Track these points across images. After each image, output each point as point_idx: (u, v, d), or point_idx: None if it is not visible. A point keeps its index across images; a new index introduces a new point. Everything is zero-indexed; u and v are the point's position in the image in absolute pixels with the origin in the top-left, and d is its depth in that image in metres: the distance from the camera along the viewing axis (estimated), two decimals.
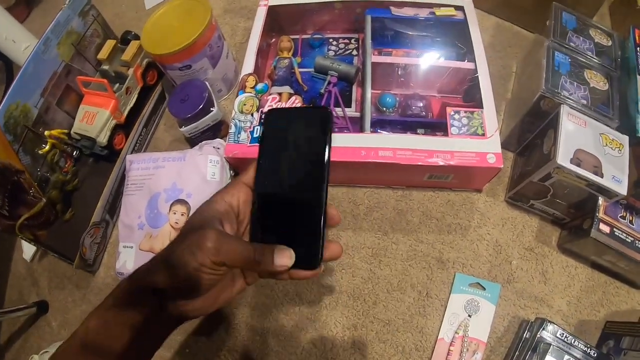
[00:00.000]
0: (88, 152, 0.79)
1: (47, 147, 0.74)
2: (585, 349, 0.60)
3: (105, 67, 0.82)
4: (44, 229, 0.73)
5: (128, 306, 0.38)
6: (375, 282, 0.70)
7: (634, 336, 0.60)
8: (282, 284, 0.72)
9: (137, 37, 0.86)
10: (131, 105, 0.82)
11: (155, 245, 0.66)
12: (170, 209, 0.68)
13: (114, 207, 0.80)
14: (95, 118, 0.76)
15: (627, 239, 0.62)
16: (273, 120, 0.44)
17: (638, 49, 0.69)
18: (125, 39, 0.86)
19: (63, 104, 0.78)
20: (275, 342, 0.68)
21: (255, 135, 0.69)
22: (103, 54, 0.82)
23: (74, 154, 0.79)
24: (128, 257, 0.68)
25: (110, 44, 0.83)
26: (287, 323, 0.69)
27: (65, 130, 0.77)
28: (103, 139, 0.77)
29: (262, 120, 0.40)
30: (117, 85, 0.81)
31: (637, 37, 0.70)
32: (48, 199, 0.72)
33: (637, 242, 0.62)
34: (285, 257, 0.39)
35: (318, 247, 0.39)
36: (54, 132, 0.75)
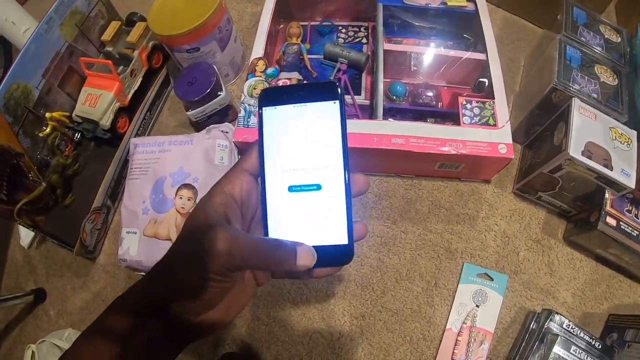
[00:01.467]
0: (90, 135, 0.77)
1: (48, 130, 0.72)
2: (591, 340, 0.60)
3: (109, 48, 0.81)
4: (43, 214, 0.71)
5: (127, 332, 0.31)
6: (383, 271, 0.70)
7: (637, 329, 0.60)
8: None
9: (143, 19, 0.84)
10: (135, 88, 0.80)
11: (160, 231, 0.64)
12: (176, 194, 0.66)
13: (115, 193, 0.78)
14: (98, 100, 0.74)
15: (632, 233, 0.62)
16: (270, 99, 0.38)
17: None
18: (130, 21, 0.84)
19: (65, 85, 0.76)
20: (281, 331, 0.67)
21: None
22: (107, 35, 0.80)
23: (75, 137, 0.77)
24: (131, 243, 0.66)
25: (114, 25, 0.81)
26: (293, 312, 0.68)
27: (67, 113, 0.75)
28: (106, 122, 0.75)
29: (259, 100, 0.35)
30: (121, 67, 0.79)
31: None
32: (48, 184, 0.71)
33: None
34: (309, 256, 0.33)
35: (347, 238, 0.35)
36: (55, 114, 0.73)
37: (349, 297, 0.69)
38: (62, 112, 0.74)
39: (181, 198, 0.65)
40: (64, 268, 0.77)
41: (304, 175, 0.36)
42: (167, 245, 0.64)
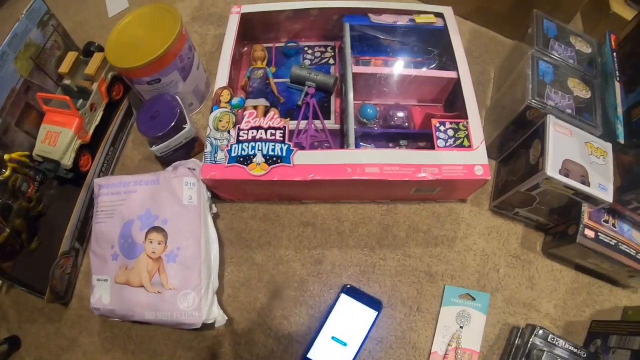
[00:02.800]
0: (52, 175, 0.73)
1: (8, 172, 0.68)
2: (575, 350, 0.61)
3: (67, 81, 0.77)
4: (9, 260, 0.68)
5: None
6: None
7: (620, 334, 0.62)
8: (268, 309, 0.69)
9: (100, 49, 0.80)
10: (96, 122, 0.76)
11: (132, 278, 0.62)
12: (145, 238, 0.63)
13: (83, 233, 0.75)
14: (58, 138, 0.71)
15: (611, 242, 0.63)
16: (350, 293, 0.68)
17: (614, 54, 0.69)
18: (88, 51, 0.80)
19: (23, 123, 0.72)
20: None
21: (232, 155, 0.65)
22: (64, 67, 0.76)
23: (37, 177, 0.73)
24: (103, 291, 0.63)
25: (71, 56, 0.77)
26: (276, 348, 0.67)
27: (27, 153, 0.72)
28: (68, 161, 0.71)
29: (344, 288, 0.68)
30: (81, 101, 0.76)
31: (613, 43, 0.70)
32: (12, 229, 0.67)
33: (620, 244, 0.63)
34: None
35: None
36: (14, 155, 0.70)
37: None
38: (21, 152, 0.71)
39: (151, 242, 0.63)
40: (35, 313, 0.74)
41: (342, 336, 0.65)
42: (141, 292, 0.62)
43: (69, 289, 0.73)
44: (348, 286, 0.68)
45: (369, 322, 0.66)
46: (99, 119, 0.77)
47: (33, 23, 0.73)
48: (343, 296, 0.67)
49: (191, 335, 0.68)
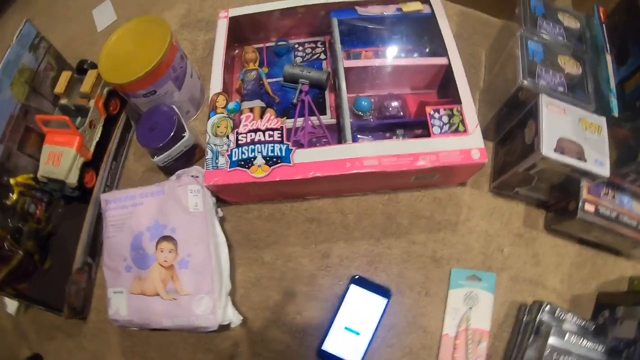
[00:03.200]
0: (58, 195, 0.75)
1: (15, 197, 0.70)
2: (582, 323, 0.63)
3: (64, 101, 0.78)
4: (24, 281, 0.70)
5: None
6: None
7: (627, 305, 0.63)
8: (280, 306, 0.71)
9: (93, 66, 0.81)
10: (97, 139, 0.78)
11: (147, 288, 0.64)
12: (156, 248, 0.65)
13: (94, 248, 0.76)
14: (61, 158, 0.72)
15: (611, 215, 0.64)
16: (359, 283, 0.70)
17: (604, 27, 0.69)
18: (81, 69, 0.81)
19: (25, 147, 0.74)
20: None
21: (233, 159, 0.66)
22: (60, 87, 0.77)
23: (44, 198, 0.75)
24: (120, 303, 0.65)
25: (66, 75, 0.78)
26: (291, 343, 0.69)
27: (32, 175, 0.73)
28: (72, 179, 0.73)
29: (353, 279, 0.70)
30: (80, 119, 0.77)
31: (602, 16, 0.70)
32: (25, 251, 0.69)
33: (621, 216, 0.64)
34: None
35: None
36: (20, 178, 0.71)
37: None
38: (26, 175, 0.73)
39: (162, 251, 0.64)
40: (54, 330, 0.76)
41: (355, 325, 0.67)
42: (157, 300, 0.64)
43: (86, 304, 0.75)
44: (357, 277, 0.70)
45: (380, 310, 0.68)
46: (99, 135, 0.78)
47: (24, 48, 0.74)
48: (352, 287, 0.69)
49: (209, 338, 0.70)
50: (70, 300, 0.70)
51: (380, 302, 0.68)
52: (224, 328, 0.66)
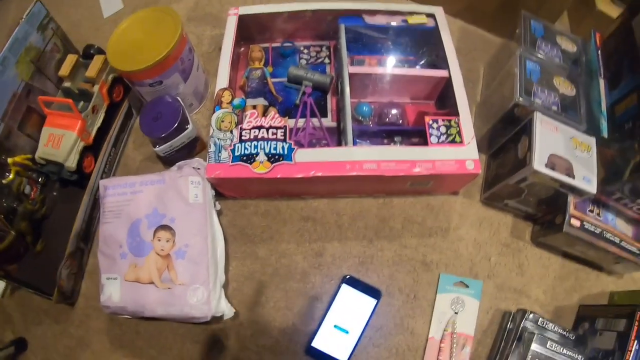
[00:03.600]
0: (55, 177, 0.74)
1: (12, 176, 0.70)
2: (564, 333, 0.65)
3: (67, 84, 0.78)
4: (14, 262, 0.70)
5: None
6: None
7: (607, 318, 0.66)
8: (272, 301, 0.72)
9: (100, 51, 0.81)
10: (98, 124, 0.78)
11: (142, 275, 0.64)
12: (154, 236, 0.65)
13: (87, 234, 0.76)
14: (61, 141, 0.72)
15: (596, 231, 0.67)
16: (351, 283, 0.71)
17: (599, 52, 0.73)
18: (87, 54, 0.80)
19: (25, 127, 0.73)
20: (271, 357, 0.69)
21: (236, 154, 0.67)
22: (64, 70, 0.77)
23: (40, 180, 0.75)
24: (113, 289, 0.65)
25: (71, 59, 0.78)
26: (281, 338, 0.70)
27: (29, 156, 0.73)
28: (72, 163, 0.73)
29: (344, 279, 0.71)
30: (82, 103, 0.77)
31: (598, 41, 0.74)
32: (17, 232, 0.69)
33: (605, 232, 0.67)
34: None
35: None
36: (18, 158, 0.71)
37: None
38: (24, 155, 0.72)
39: (159, 240, 0.65)
40: (41, 315, 0.75)
41: (344, 324, 0.69)
42: (151, 288, 0.64)
43: (75, 289, 0.74)
44: (348, 277, 0.71)
45: (369, 310, 0.69)
46: (100, 120, 0.78)
47: (33, 27, 0.74)
48: (344, 286, 0.70)
49: (198, 329, 0.70)
50: (61, 284, 0.69)
51: (370, 302, 0.70)
52: (215, 320, 0.67)
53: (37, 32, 0.75)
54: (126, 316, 0.68)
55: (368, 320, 0.69)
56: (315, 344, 0.67)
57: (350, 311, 0.69)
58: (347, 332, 0.68)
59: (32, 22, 0.74)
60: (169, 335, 0.71)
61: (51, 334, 0.73)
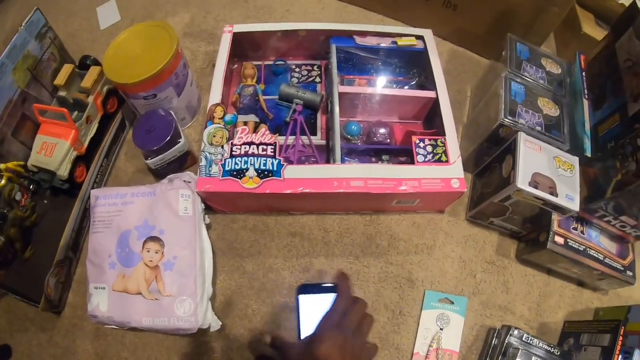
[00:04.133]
0: (47, 185, 0.75)
1: (3, 182, 0.70)
2: (549, 348, 0.66)
3: (63, 93, 0.79)
4: (2, 269, 0.69)
5: None
6: None
7: (591, 333, 0.67)
8: (259, 315, 0.72)
9: (96, 62, 0.82)
10: (92, 135, 0.78)
11: (130, 286, 0.64)
12: (143, 247, 0.66)
13: (77, 243, 0.77)
14: (54, 149, 0.72)
15: (579, 248, 0.69)
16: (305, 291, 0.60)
17: (583, 74, 0.75)
18: (83, 64, 0.82)
19: (19, 133, 0.74)
20: None
21: (226, 168, 0.69)
22: (60, 79, 0.78)
23: (31, 187, 0.75)
24: (101, 298, 0.65)
25: (67, 68, 0.79)
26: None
27: (22, 163, 0.73)
28: (64, 172, 0.73)
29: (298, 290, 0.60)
30: (76, 113, 0.78)
31: (582, 63, 0.76)
32: (6, 238, 0.69)
33: (588, 249, 0.69)
34: None
35: None
36: (10, 164, 0.71)
37: None
38: (16, 162, 0.72)
39: (148, 251, 0.66)
40: (27, 322, 0.75)
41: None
42: (139, 299, 0.64)
43: (62, 298, 0.74)
44: (301, 286, 0.62)
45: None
46: (94, 131, 0.79)
47: (31, 35, 0.75)
48: (301, 297, 0.61)
49: (184, 342, 0.71)
50: (48, 292, 0.69)
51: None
52: (201, 333, 0.67)
53: (35, 40, 0.76)
54: (113, 326, 0.68)
55: None
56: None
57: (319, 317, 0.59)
58: None
59: (31, 30, 0.75)
60: (155, 347, 0.71)
61: (36, 342, 0.73)
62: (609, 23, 0.90)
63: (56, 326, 0.74)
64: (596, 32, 0.90)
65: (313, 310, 0.62)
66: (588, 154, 0.69)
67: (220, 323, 0.68)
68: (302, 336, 0.60)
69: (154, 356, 0.71)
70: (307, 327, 0.61)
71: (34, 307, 0.69)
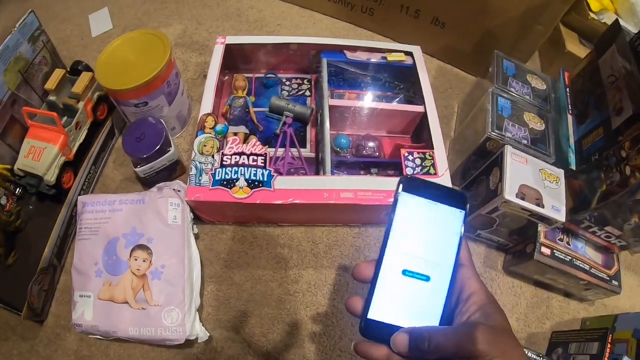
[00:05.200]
0: (33, 190, 0.74)
1: None
2: (538, 358, 0.67)
3: (53, 98, 0.78)
4: None
5: None
6: (339, 317, 0.73)
7: (579, 342, 0.68)
8: (247, 327, 0.72)
9: (88, 68, 0.82)
10: (80, 141, 0.78)
11: (116, 294, 0.63)
12: (130, 255, 0.65)
13: (61, 251, 0.75)
14: (42, 154, 0.71)
15: (565, 258, 0.70)
16: (411, 188, 0.40)
17: (567, 90, 0.78)
18: (75, 70, 0.81)
19: (7, 136, 0.73)
20: None
21: (217, 178, 0.69)
22: (51, 83, 0.77)
23: (17, 191, 0.74)
24: (86, 307, 0.64)
25: (58, 73, 0.78)
26: None
27: (8, 166, 0.72)
28: (51, 177, 0.72)
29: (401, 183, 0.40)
30: (65, 118, 0.77)
31: (566, 79, 0.79)
32: None
33: (574, 260, 0.71)
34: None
35: None
36: None
37: (307, 345, 0.71)
38: (2, 165, 0.71)
39: (136, 259, 0.65)
40: (8, 331, 0.73)
41: (419, 264, 0.38)
42: (125, 308, 0.64)
43: (45, 306, 0.73)
44: (407, 177, 0.41)
45: (457, 230, 0.40)
46: (83, 137, 0.78)
47: (24, 37, 0.75)
48: (403, 196, 0.40)
49: (170, 353, 0.69)
50: (31, 300, 0.68)
51: (453, 217, 0.40)
52: (187, 344, 0.66)
53: (28, 43, 0.75)
54: (97, 336, 0.66)
55: (458, 250, 0.39)
56: (374, 313, 0.38)
57: (424, 240, 0.39)
58: (427, 279, 0.39)
59: (24, 32, 0.74)
60: (140, 359, 0.70)
61: (17, 351, 0.71)
62: (591, 41, 0.94)
63: (38, 335, 0.72)
64: (579, 50, 0.94)
65: (415, 227, 0.40)
66: (573, 167, 0.71)
67: (208, 334, 0.67)
68: (386, 264, 0.39)
69: None
70: (397, 255, 0.39)
71: (16, 315, 0.68)
